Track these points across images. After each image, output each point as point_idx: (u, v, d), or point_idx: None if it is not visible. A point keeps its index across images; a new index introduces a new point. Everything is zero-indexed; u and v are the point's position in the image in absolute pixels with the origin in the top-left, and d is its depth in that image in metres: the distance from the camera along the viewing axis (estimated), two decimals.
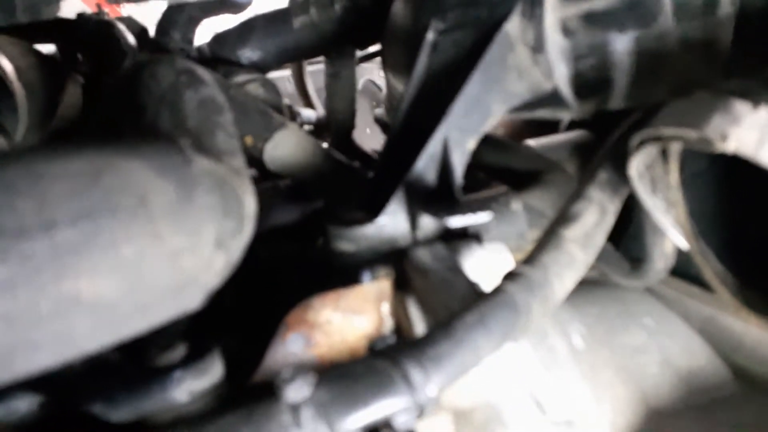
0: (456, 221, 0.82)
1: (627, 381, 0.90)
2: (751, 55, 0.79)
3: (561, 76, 0.84)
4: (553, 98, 0.89)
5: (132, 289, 0.47)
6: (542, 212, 1.08)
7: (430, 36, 0.96)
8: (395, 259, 0.91)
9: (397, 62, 1.25)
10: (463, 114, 0.87)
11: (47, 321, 0.43)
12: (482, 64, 0.86)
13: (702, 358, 0.97)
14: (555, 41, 0.83)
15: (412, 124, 0.98)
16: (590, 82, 0.85)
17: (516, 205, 1.06)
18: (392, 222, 0.91)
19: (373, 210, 0.93)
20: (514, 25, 0.84)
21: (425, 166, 0.90)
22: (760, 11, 0.73)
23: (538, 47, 0.83)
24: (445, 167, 0.90)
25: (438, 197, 0.91)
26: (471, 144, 0.90)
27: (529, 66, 0.85)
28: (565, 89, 0.87)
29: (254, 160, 1.37)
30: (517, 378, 0.81)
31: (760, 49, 0.77)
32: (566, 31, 0.81)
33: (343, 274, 0.91)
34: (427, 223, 0.92)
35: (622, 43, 0.78)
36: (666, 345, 0.98)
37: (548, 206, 1.08)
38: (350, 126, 1.81)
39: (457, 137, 0.88)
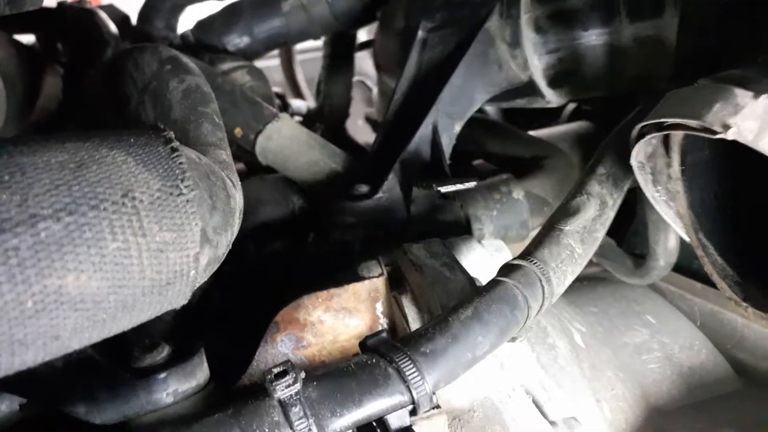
0: (446, 188, 0.91)
1: (627, 380, 0.89)
2: (696, 51, 0.86)
3: (535, 68, 0.96)
4: (529, 88, 0.99)
5: (117, 285, 0.45)
6: (544, 199, 1.12)
7: (420, 34, 1.07)
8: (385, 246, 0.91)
9: (390, 60, 1.32)
10: (450, 102, 1.00)
11: (32, 317, 0.40)
12: (466, 57, 0.97)
13: (703, 354, 0.96)
14: (529, 37, 0.93)
15: (405, 111, 1.06)
16: (560, 73, 0.95)
17: (518, 193, 1.10)
18: (389, 196, 1.01)
19: (371, 188, 1.02)
20: (493, 24, 0.96)
21: (417, 146, 1.00)
22: (698, 13, 0.83)
23: (514, 43, 0.96)
24: (435, 148, 1.00)
25: (429, 173, 0.99)
26: (457, 128, 1.01)
27: (507, 59, 0.97)
28: (539, 80, 0.98)
29: (241, 153, 1.34)
30: (517, 378, 0.79)
31: (701, 45, 0.84)
32: (538, 28, 0.92)
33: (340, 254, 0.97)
34: (421, 197, 1.01)
35: (586, 39, 0.90)
36: (667, 342, 0.96)
37: (550, 193, 1.13)
38: (344, 114, 1.79)
39: (445, 122, 1.00)
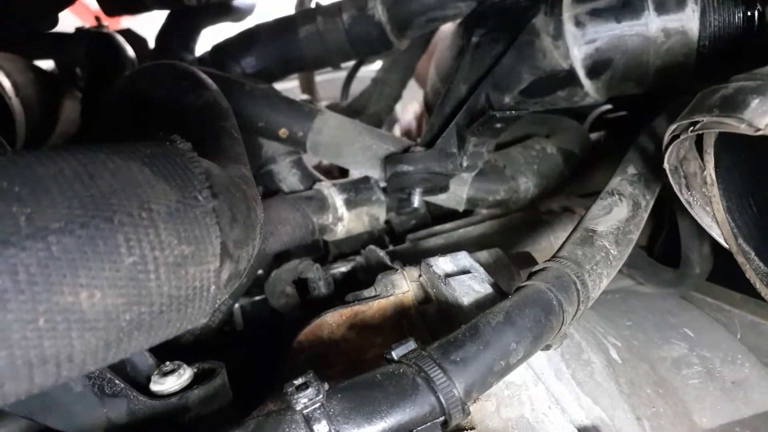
0: (500, 113, 1.09)
1: (668, 396, 0.84)
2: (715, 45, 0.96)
3: (575, 58, 1.06)
4: (570, 77, 1.09)
5: (133, 302, 0.42)
6: (572, 151, 1.36)
7: (474, 39, 1.21)
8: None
9: (445, 64, 1.50)
10: (501, 77, 1.15)
11: (43, 337, 0.38)
12: (515, 44, 1.12)
13: (746, 368, 0.91)
14: (570, 31, 1.04)
15: (460, 92, 1.23)
16: (597, 62, 1.05)
17: (550, 148, 1.35)
18: (445, 146, 1.18)
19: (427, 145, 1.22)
20: (539, 20, 1.09)
21: (470, 110, 1.17)
22: (717, 6, 0.93)
23: (557, 35, 1.06)
24: (488, 108, 1.16)
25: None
26: (506, 99, 1.15)
27: (551, 49, 1.08)
28: (579, 69, 1.07)
29: (258, 177, 1.33)
30: (552, 395, 0.75)
31: (722, 38, 0.95)
32: (578, 23, 1.03)
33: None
34: (472, 150, 1.19)
35: (619, 30, 1.01)
36: (707, 356, 0.92)
37: (576, 146, 1.37)
38: (388, 110, 1.83)
39: (495, 94, 1.16)
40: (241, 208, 0.55)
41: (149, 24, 1.60)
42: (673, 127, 0.71)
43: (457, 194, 1.28)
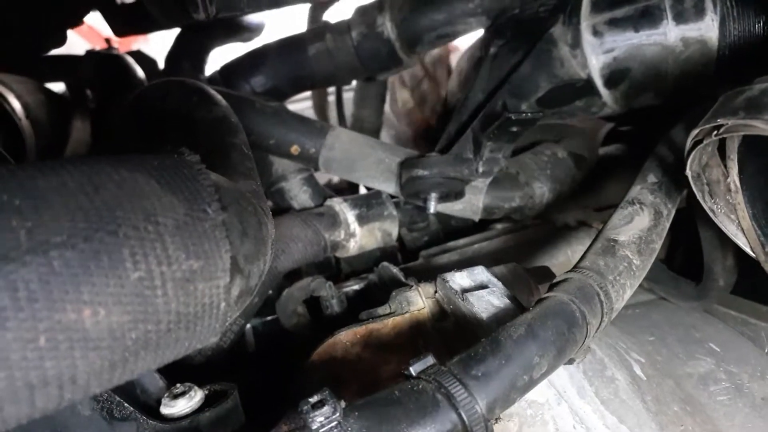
0: (515, 115, 1.03)
1: (696, 413, 0.81)
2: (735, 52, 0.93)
3: (593, 67, 1.05)
4: (587, 86, 1.08)
5: (139, 319, 0.40)
6: (582, 155, 1.38)
7: (492, 50, 1.22)
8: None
9: (464, 75, 1.55)
10: (518, 85, 1.14)
11: (43, 357, 0.36)
12: (533, 53, 1.12)
13: None
14: (588, 40, 1.03)
15: (477, 101, 1.23)
16: (615, 72, 1.04)
17: (561, 153, 1.37)
18: (461, 152, 1.17)
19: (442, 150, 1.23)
20: (557, 30, 1.08)
21: (488, 116, 1.14)
22: (738, 15, 0.92)
23: (575, 44, 1.06)
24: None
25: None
26: (523, 106, 1.15)
27: (569, 58, 1.07)
28: (597, 78, 1.06)
29: (268, 193, 1.31)
30: (576, 414, 0.72)
31: (742, 47, 0.93)
32: (596, 32, 1.03)
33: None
34: (488, 156, 1.16)
35: (637, 39, 0.99)
36: (735, 372, 0.89)
37: (585, 150, 1.39)
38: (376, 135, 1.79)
39: (512, 101, 1.15)
40: (251, 222, 0.53)
41: (158, 49, 1.61)
42: (695, 131, 0.68)
43: (473, 203, 1.27)
